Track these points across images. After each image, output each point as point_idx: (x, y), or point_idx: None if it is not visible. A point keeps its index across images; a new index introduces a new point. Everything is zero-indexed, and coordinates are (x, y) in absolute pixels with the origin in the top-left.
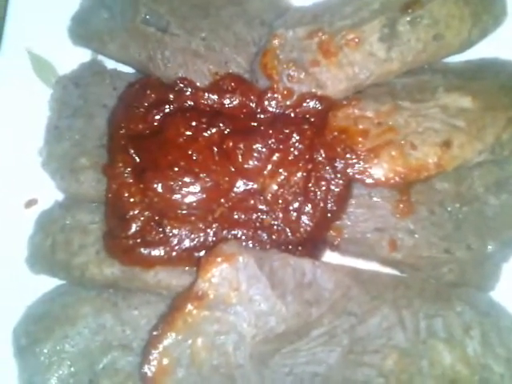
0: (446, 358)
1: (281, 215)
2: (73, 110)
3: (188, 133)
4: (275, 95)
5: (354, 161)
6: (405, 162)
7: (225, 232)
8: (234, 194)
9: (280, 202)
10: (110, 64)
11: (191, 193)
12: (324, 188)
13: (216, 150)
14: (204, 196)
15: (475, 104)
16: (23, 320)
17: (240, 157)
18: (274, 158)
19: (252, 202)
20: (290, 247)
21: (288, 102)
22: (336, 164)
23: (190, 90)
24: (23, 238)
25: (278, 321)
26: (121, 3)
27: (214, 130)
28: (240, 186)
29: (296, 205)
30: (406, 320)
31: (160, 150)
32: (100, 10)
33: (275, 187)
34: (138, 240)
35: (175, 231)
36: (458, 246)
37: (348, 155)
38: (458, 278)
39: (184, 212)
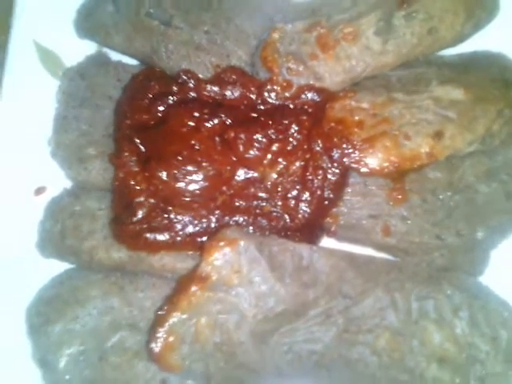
0: (435, 337)
1: (280, 202)
2: (80, 101)
3: (191, 123)
4: (275, 87)
5: (350, 150)
6: (398, 151)
7: (226, 218)
8: (235, 183)
9: (279, 189)
10: (115, 56)
11: (194, 181)
12: (321, 177)
13: (218, 140)
14: (207, 184)
15: (467, 96)
16: (35, 301)
17: (241, 147)
18: (274, 147)
19: (252, 189)
20: (289, 233)
21: (287, 94)
22: (333, 154)
23: (192, 81)
24: (33, 224)
25: (277, 301)
26: None
27: (215, 121)
28: (241, 174)
29: (294, 193)
30: (398, 302)
31: (164, 140)
32: (105, 3)
33: (275, 176)
34: (144, 226)
35: (179, 217)
36: (449, 232)
37: (344, 145)
38: (448, 262)
39: (188, 199)
